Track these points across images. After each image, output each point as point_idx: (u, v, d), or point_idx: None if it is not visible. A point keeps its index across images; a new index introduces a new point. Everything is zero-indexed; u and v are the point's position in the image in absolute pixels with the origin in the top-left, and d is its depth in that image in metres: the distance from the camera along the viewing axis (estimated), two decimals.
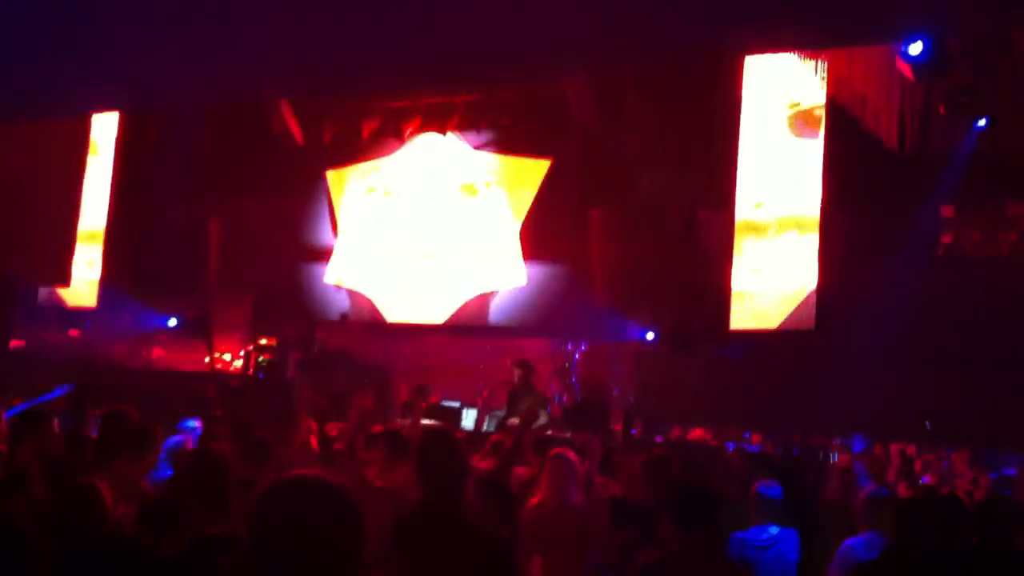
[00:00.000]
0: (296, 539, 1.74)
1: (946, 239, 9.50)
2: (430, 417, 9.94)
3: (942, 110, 9.22)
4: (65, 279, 13.29)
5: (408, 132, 12.97)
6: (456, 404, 10.70)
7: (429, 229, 12.69)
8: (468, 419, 10.44)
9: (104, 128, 13.90)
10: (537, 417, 9.07)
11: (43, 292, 13.68)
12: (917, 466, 8.29)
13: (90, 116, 13.60)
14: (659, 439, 8.88)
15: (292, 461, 6.94)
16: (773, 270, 9.92)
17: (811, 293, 9.56)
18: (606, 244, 11.20)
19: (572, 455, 5.40)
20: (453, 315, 12.36)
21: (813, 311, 9.48)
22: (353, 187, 13.28)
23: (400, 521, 3.92)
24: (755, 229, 10.11)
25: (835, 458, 8.28)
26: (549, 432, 8.86)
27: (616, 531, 5.12)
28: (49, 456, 5.24)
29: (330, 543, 1.75)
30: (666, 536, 3.86)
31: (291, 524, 1.76)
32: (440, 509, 3.63)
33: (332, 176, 13.40)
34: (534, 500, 5.30)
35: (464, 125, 12.64)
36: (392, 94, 12.44)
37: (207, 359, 12.26)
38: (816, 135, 9.93)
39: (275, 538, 1.76)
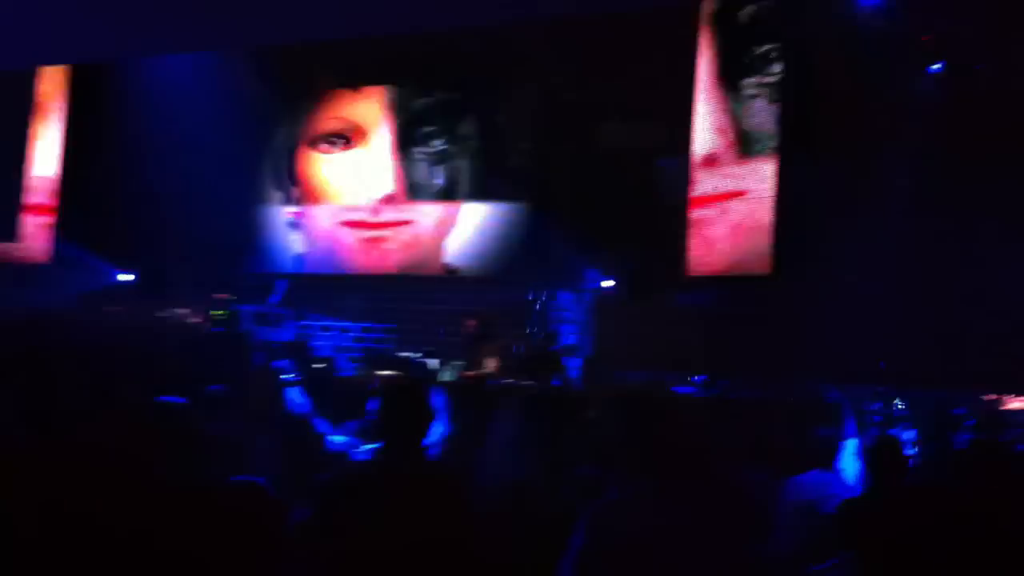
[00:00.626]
0: None
1: (907, 184, 9.45)
2: (389, 367, 9.96)
3: (900, 54, 9.19)
4: (12, 235, 13.11)
5: (365, 83, 12.81)
6: (417, 354, 10.69)
7: (385, 176, 12.59)
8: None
9: (52, 83, 13.66)
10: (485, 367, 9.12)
11: None
12: None
13: (35, 70, 13.34)
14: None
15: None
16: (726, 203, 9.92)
17: (766, 233, 9.56)
18: (565, 191, 11.16)
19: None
20: (410, 263, 12.29)
21: (769, 254, 9.49)
22: (307, 144, 13.15)
23: (353, 473, 3.91)
24: (711, 164, 10.10)
25: None
26: (509, 381, 8.88)
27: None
28: None
29: None
30: (622, 479, 3.78)
31: None
32: (396, 458, 3.68)
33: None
34: None
35: (420, 74, 12.48)
36: (346, 39, 12.25)
37: (162, 314, 12.13)
38: (774, 79, 9.87)
39: None
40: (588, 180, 10.98)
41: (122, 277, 12.82)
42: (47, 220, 13.32)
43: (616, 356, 9.70)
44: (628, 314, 10.08)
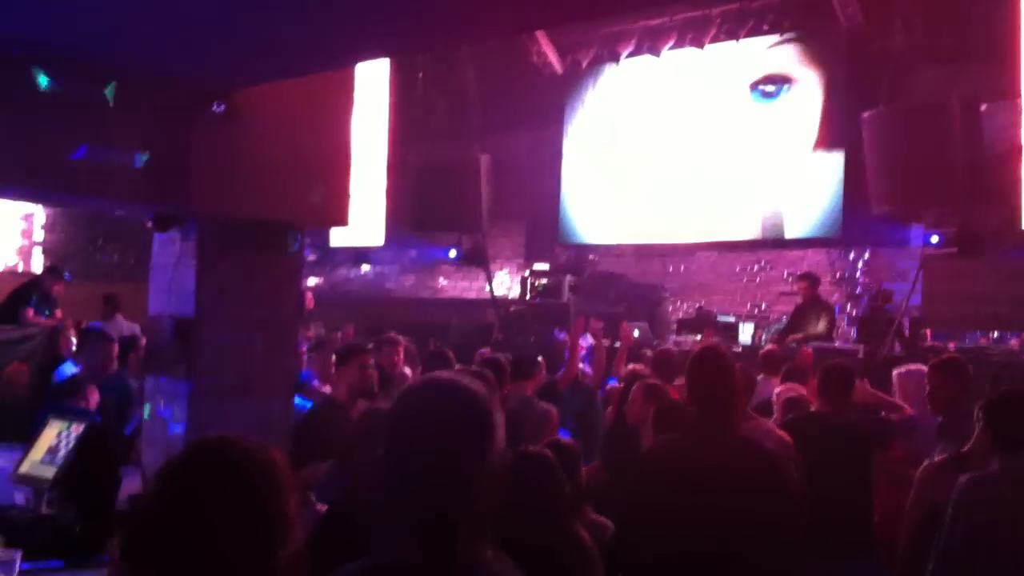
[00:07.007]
0: (425, 429, 1.90)
1: None
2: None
3: None
4: (344, 220, 13.92)
5: (665, 50, 12.90)
6: (731, 319, 10.73)
7: (704, 145, 12.57)
8: (744, 333, 10.48)
9: (374, 75, 14.51)
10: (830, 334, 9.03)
11: (335, 236, 14.50)
12: None
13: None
14: (951, 346, 8.59)
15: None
16: None
17: None
18: (881, 146, 10.73)
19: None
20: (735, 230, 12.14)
21: None
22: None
23: (669, 439, 3.99)
24: None
25: None
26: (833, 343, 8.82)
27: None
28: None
29: (455, 434, 1.88)
30: (979, 453, 3.66)
31: (422, 416, 1.91)
32: (710, 427, 3.66)
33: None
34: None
35: (721, 37, 12.42)
36: (647, 11, 12.34)
37: (487, 287, 12.82)
38: None
39: (407, 429, 1.92)
40: (903, 131, 10.53)
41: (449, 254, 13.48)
42: (380, 205, 14.21)
43: (947, 316, 9.31)
44: (958, 272, 9.60)
